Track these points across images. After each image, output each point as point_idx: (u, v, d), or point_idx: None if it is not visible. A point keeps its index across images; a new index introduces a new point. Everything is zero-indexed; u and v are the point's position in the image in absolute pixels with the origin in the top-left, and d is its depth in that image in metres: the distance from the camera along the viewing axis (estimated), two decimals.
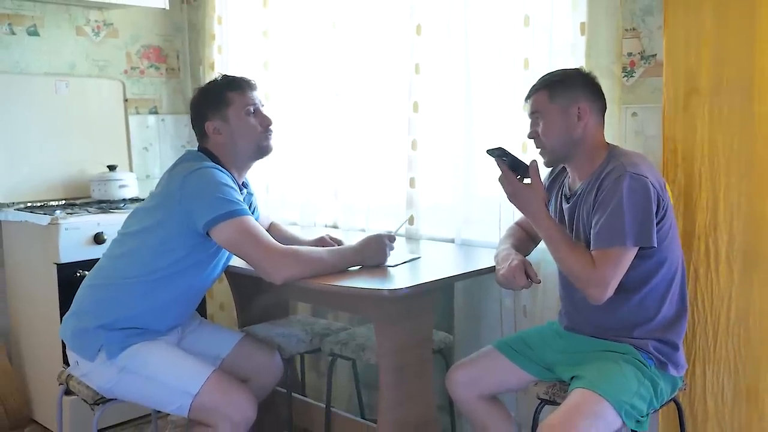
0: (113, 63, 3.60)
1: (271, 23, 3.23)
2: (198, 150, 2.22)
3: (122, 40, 3.63)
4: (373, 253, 2.17)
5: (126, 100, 3.63)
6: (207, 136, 2.20)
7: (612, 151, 1.94)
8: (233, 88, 2.20)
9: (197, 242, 2.07)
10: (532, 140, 2.01)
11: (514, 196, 1.94)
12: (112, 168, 3.38)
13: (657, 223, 1.82)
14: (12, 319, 3.24)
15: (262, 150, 2.21)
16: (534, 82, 2.06)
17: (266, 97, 3.25)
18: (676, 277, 1.92)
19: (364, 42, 2.91)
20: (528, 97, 2.02)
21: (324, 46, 3.03)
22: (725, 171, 2.10)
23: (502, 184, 1.96)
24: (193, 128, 2.25)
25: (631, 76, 2.32)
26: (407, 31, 2.71)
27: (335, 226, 3.10)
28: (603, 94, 1.99)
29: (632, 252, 1.81)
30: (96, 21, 3.53)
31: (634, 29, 2.30)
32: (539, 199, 1.90)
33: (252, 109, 2.20)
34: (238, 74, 3.30)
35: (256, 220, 2.42)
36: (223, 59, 3.46)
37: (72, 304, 2.18)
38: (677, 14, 2.15)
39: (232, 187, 2.07)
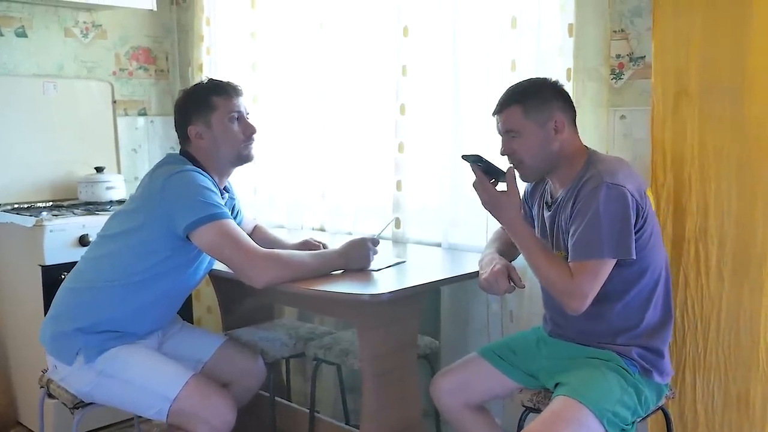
0: (102, 64, 3.57)
1: (259, 24, 3.21)
2: (180, 153, 2.19)
3: (111, 42, 3.60)
4: (357, 257, 2.14)
5: (114, 102, 3.60)
6: (189, 140, 2.17)
7: (591, 157, 1.90)
8: (219, 93, 2.17)
9: (177, 245, 2.04)
10: (507, 156, 1.95)
11: (488, 203, 1.90)
12: (99, 170, 3.35)
13: (636, 232, 1.79)
14: None
15: (242, 158, 2.18)
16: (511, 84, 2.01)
17: (254, 99, 3.23)
18: (660, 284, 1.89)
19: (351, 43, 2.89)
20: (498, 112, 1.95)
21: (311, 47, 3.00)
22: (715, 175, 2.07)
23: (476, 191, 1.91)
24: (176, 130, 2.22)
25: (620, 78, 2.29)
26: (394, 32, 2.68)
27: (322, 229, 3.07)
28: (572, 101, 1.95)
29: (610, 264, 1.77)
30: (85, 22, 3.50)
31: (622, 31, 2.27)
32: (514, 206, 1.86)
33: (236, 115, 2.17)
34: (226, 76, 3.32)
35: (240, 223, 2.41)
36: (212, 61, 3.44)
37: (50, 308, 2.15)
38: (666, 15, 2.12)
39: (212, 191, 2.04)
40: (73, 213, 2.99)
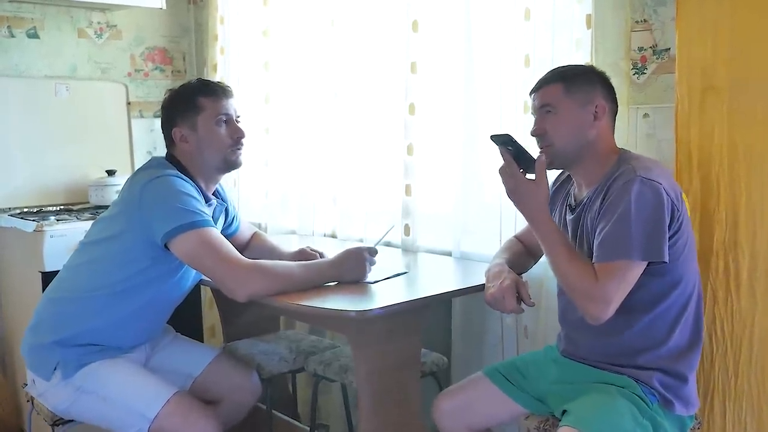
0: (116, 65, 3.50)
1: (271, 22, 3.09)
2: (165, 157, 2.08)
3: (126, 42, 3.53)
4: (352, 268, 1.99)
5: (129, 104, 3.52)
6: (174, 143, 2.06)
7: (623, 155, 1.72)
8: (206, 93, 2.04)
9: (158, 254, 1.93)
10: (536, 138, 1.77)
11: (514, 192, 1.71)
12: (110, 173, 3.28)
13: (670, 237, 1.59)
14: (6, 326, 3.16)
15: (229, 164, 2.06)
16: (536, 80, 1.84)
17: (266, 99, 3.12)
18: (692, 301, 1.69)
19: (361, 40, 2.75)
20: (536, 89, 1.78)
21: (323, 45, 2.87)
22: (746, 179, 1.87)
23: (502, 176, 1.73)
24: (162, 132, 2.11)
25: (642, 73, 2.09)
26: (403, 27, 2.52)
27: (334, 235, 2.94)
28: (616, 96, 1.78)
29: (639, 267, 1.58)
30: (99, 23, 3.44)
31: (645, 21, 2.06)
32: (542, 197, 1.68)
33: (224, 118, 2.04)
34: (239, 76, 3.24)
35: (236, 230, 2.29)
36: (225, 60, 3.33)
37: (32, 318, 2.06)
38: (691, 3, 1.92)
39: (193, 197, 1.91)
40: (77, 218, 2.92)
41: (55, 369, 1.95)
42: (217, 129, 2.02)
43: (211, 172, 2.06)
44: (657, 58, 2.06)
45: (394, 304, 1.82)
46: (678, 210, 1.62)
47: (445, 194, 2.54)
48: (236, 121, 2.07)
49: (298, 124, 3.03)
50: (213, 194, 2.11)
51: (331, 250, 2.25)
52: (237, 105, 2.09)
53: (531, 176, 1.71)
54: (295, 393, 2.74)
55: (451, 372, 2.46)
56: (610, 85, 1.78)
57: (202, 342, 3.32)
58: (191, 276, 2.08)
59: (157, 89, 3.63)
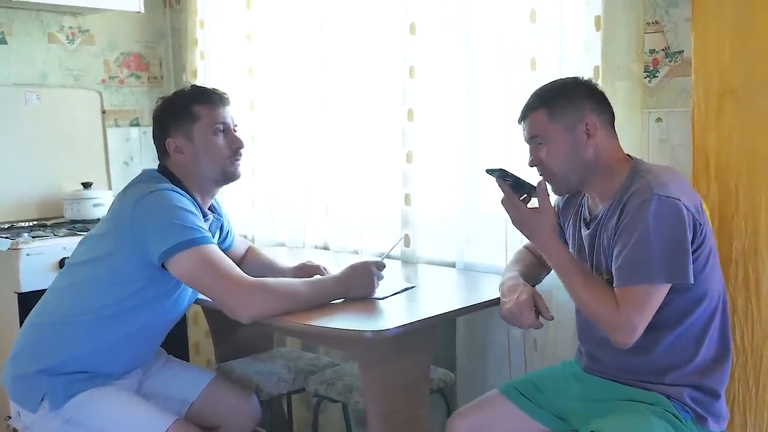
0: (89, 72, 3.33)
1: (255, 26, 2.97)
2: (157, 169, 1.95)
3: (99, 48, 3.36)
4: (359, 283, 1.89)
5: (104, 112, 3.36)
6: (168, 154, 1.93)
7: (635, 166, 1.64)
8: (202, 101, 1.92)
9: (154, 275, 1.80)
10: (535, 168, 1.71)
11: (519, 222, 1.67)
12: (86, 185, 3.12)
13: (693, 252, 1.52)
14: None
15: (227, 176, 1.94)
16: (542, 84, 1.77)
17: (251, 106, 3.00)
18: (717, 313, 1.62)
19: (353, 44, 2.64)
20: (522, 118, 1.72)
21: (311, 49, 2.77)
22: (766, 185, 1.81)
23: (505, 208, 1.68)
24: (154, 143, 1.98)
25: (655, 77, 2.02)
26: (400, 30, 2.43)
27: (326, 247, 2.83)
28: (608, 102, 1.70)
29: (663, 290, 1.51)
30: (70, 27, 3.27)
31: (656, 23, 2.01)
32: (549, 225, 1.62)
33: (221, 127, 1.92)
34: (221, 82, 3.11)
35: (230, 246, 2.18)
36: (206, 66, 3.19)
37: (13, 346, 1.91)
38: (708, 5, 1.86)
39: (191, 212, 1.79)
40: (54, 234, 2.76)
41: (42, 400, 1.80)
42: (215, 139, 1.90)
43: (209, 184, 1.94)
44: (670, 61, 2.00)
45: (411, 323, 1.72)
46: (700, 224, 1.55)
47: (446, 203, 2.45)
48: (234, 130, 1.95)
49: (285, 132, 2.92)
50: (209, 208, 1.99)
51: (324, 263, 2.16)
52: (234, 113, 1.97)
53: (535, 202, 1.66)
54: (290, 414, 2.62)
55: (456, 388, 2.36)
56: (599, 93, 1.70)
57: (188, 360, 3.19)
58: (188, 296, 1.95)
59: (132, 97, 3.48)
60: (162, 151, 1.94)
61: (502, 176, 1.66)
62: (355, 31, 2.63)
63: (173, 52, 3.55)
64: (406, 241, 2.47)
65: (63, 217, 3.11)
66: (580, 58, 2.06)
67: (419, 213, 2.48)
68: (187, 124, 1.89)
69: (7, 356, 2.48)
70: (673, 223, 1.50)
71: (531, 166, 1.72)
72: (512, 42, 2.19)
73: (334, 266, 2.13)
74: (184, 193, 1.85)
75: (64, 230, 2.86)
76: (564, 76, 1.82)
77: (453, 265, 2.39)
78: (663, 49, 2.00)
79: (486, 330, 2.38)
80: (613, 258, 1.56)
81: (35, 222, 3.07)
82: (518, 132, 2.17)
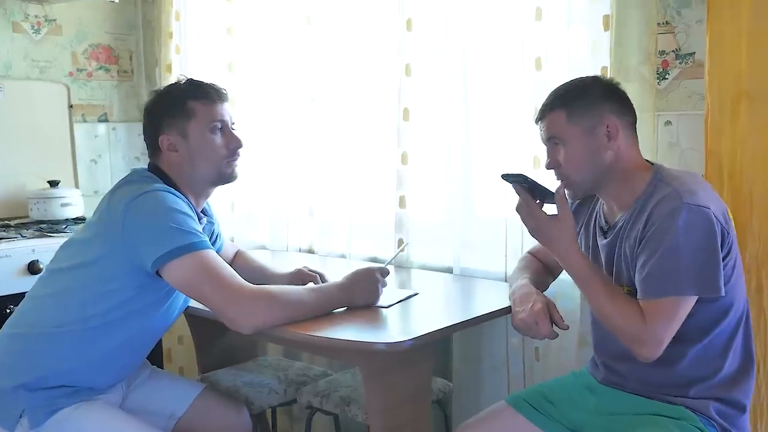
0: (56, 64, 3.15)
1: (236, 19, 2.84)
2: (147, 168, 1.82)
3: (67, 39, 3.18)
4: (363, 291, 1.79)
5: (71, 107, 3.18)
6: (160, 152, 1.80)
7: (658, 173, 1.57)
8: (198, 96, 1.80)
9: (145, 282, 1.67)
10: (552, 171, 1.64)
11: (537, 231, 1.58)
12: (53, 184, 2.95)
13: (722, 261, 1.47)
14: None
15: (223, 177, 1.83)
16: (549, 85, 1.71)
17: (231, 103, 2.83)
18: (741, 323, 1.57)
19: (344, 40, 2.54)
20: (540, 119, 1.65)
21: (297, 45, 2.65)
22: None
23: (521, 216, 1.60)
24: (144, 139, 1.85)
25: (664, 79, 1.98)
26: (396, 26, 2.34)
27: (311, 251, 2.72)
28: (631, 104, 1.63)
29: (690, 302, 1.46)
30: (36, 16, 3.09)
31: (667, 23, 1.96)
32: (569, 233, 1.55)
33: (219, 125, 1.80)
34: (197, 78, 2.97)
35: (219, 250, 2.05)
36: (182, 60, 3.05)
37: None
38: (723, 6, 1.81)
39: (188, 215, 1.67)
40: (21, 235, 2.59)
41: (20, 417, 1.66)
42: (212, 137, 1.78)
43: (203, 185, 1.82)
44: (680, 63, 1.95)
45: (425, 334, 1.63)
46: (727, 233, 1.50)
47: (442, 206, 2.37)
48: (232, 128, 1.83)
49: (267, 131, 2.80)
50: (201, 211, 1.87)
51: (312, 267, 2.06)
52: (231, 110, 1.85)
53: (552, 209, 1.58)
54: (274, 427, 2.50)
55: (452, 398, 2.28)
56: (622, 95, 1.63)
57: (162, 368, 3.04)
58: (179, 306, 1.82)
59: (101, 91, 3.31)
60: (154, 149, 1.81)
61: (520, 181, 1.57)
62: (346, 26, 2.53)
63: (145, 45, 3.39)
64: (399, 245, 2.38)
65: (27, 217, 2.94)
66: (587, 58, 2.00)
67: (414, 216, 2.39)
68: (182, 121, 1.77)
69: None
70: (704, 232, 1.44)
71: (548, 169, 1.65)
72: (516, 40, 2.12)
73: (324, 270, 2.04)
74: (179, 194, 1.72)
75: (31, 231, 2.69)
76: (574, 77, 1.74)
77: (449, 271, 2.31)
78: (674, 51, 1.95)
79: (482, 338, 2.30)
80: (638, 268, 1.50)
81: None
82: (519, 134, 2.13)
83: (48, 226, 2.78)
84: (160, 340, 2.94)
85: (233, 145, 1.81)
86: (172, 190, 1.71)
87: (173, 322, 1.85)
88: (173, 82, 1.88)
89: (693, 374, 1.55)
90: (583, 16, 2.02)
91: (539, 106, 2.07)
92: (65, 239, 1.84)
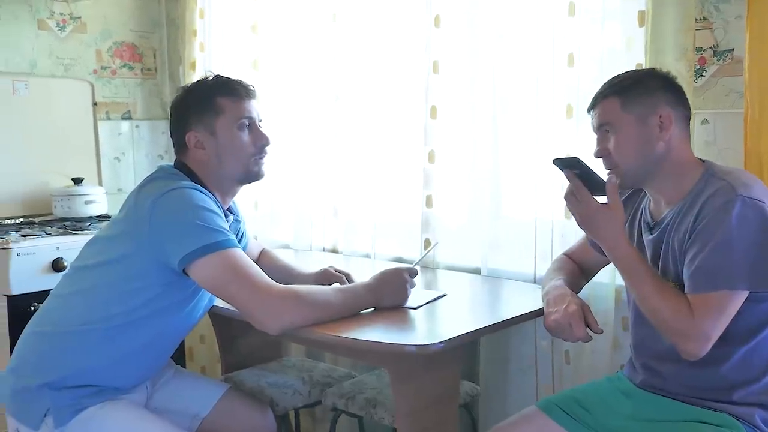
0: (81, 61, 3.16)
1: (261, 16, 2.82)
2: (174, 165, 1.80)
3: (91, 36, 3.19)
4: (392, 292, 1.75)
5: (95, 104, 3.19)
6: (187, 149, 1.78)
7: (710, 168, 1.53)
8: (226, 93, 1.77)
9: (172, 280, 1.65)
10: (601, 159, 1.59)
11: (586, 219, 1.53)
12: (77, 181, 2.95)
13: None
14: None
15: (251, 175, 1.80)
16: (581, 82, 1.67)
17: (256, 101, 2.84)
18: None
19: (370, 37, 2.50)
20: (592, 107, 1.61)
21: (323, 42, 2.63)
22: None
23: (569, 204, 1.55)
24: (171, 136, 1.83)
25: (701, 76, 1.92)
26: (424, 23, 2.30)
27: (335, 250, 2.69)
28: (686, 98, 1.59)
29: (741, 297, 1.41)
30: (61, 14, 3.09)
31: (704, 19, 1.90)
32: (619, 224, 1.50)
33: (246, 122, 1.78)
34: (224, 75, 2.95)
35: (244, 248, 2.02)
36: (206, 58, 3.04)
37: (11, 357, 1.75)
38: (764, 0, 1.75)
39: (215, 212, 1.64)
40: (46, 232, 2.59)
41: (45, 416, 1.64)
42: (240, 134, 1.75)
43: (230, 183, 1.79)
44: (718, 60, 1.89)
45: (457, 336, 1.59)
46: None
47: (470, 205, 2.32)
48: (259, 125, 1.80)
49: (292, 129, 2.77)
50: (227, 209, 1.84)
51: (338, 267, 2.03)
52: (259, 107, 1.83)
53: (602, 200, 1.53)
54: (298, 429, 2.47)
55: (479, 401, 2.24)
56: (677, 87, 1.59)
57: (184, 367, 3.02)
58: (204, 304, 1.80)
59: (125, 88, 3.30)
60: (180, 146, 1.79)
61: (572, 167, 1.53)
62: (372, 23, 2.49)
63: (168, 43, 3.38)
64: (426, 245, 2.34)
65: (51, 214, 2.94)
66: (621, 55, 1.95)
67: (441, 216, 2.35)
68: (210, 118, 1.74)
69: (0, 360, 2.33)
70: (758, 226, 1.39)
71: (596, 157, 1.60)
72: (547, 36, 2.07)
73: (350, 270, 2.01)
74: (206, 191, 1.69)
75: (55, 228, 2.69)
76: (607, 74, 1.70)
77: (477, 272, 2.27)
78: (711, 47, 1.90)
79: (510, 340, 2.26)
80: (687, 262, 1.45)
81: (21, 219, 2.89)
82: (550, 132, 2.09)
83: (72, 224, 2.77)
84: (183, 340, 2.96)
85: (261, 143, 1.78)
86: (199, 187, 1.68)
87: (198, 321, 1.82)
88: (200, 78, 1.85)
89: (737, 377, 1.50)
90: (618, 12, 1.97)
91: (571, 104, 2.04)
92: (89, 237, 1.82)
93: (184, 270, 1.60)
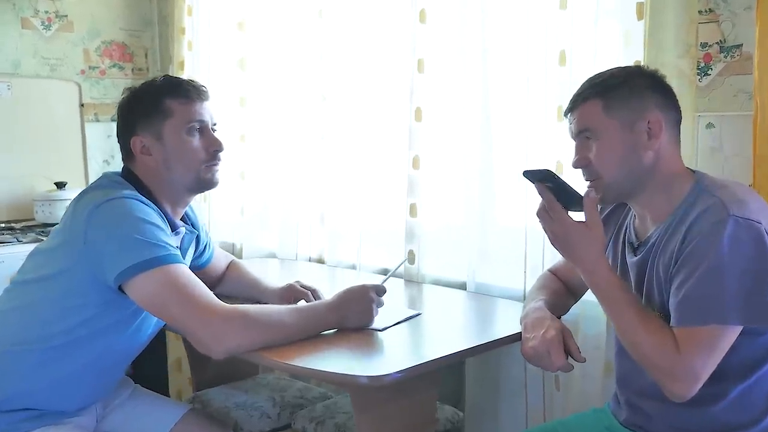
0: (67, 61, 3.06)
1: (248, 13, 2.70)
2: (120, 173, 1.66)
3: (78, 35, 3.09)
4: (355, 311, 1.60)
5: (82, 105, 3.10)
6: (133, 155, 1.64)
7: (700, 181, 1.34)
8: (175, 95, 1.63)
9: (111, 298, 1.51)
10: (580, 170, 1.41)
11: (560, 239, 1.35)
12: (60, 185, 2.85)
13: None
14: None
15: (202, 183, 1.65)
16: (574, 82, 1.49)
17: (241, 102, 2.72)
18: None
19: (355, 34, 2.37)
20: (570, 110, 1.42)
21: (309, 40, 2.49)
22: None
23: (542, 220, 1.37)
24: (118, 141, 1.70)
25: (706, 75, 1.73)
26: (408, 18, 2.14)
27: (321, 261, 2.55)
28: (676, 99, 1.40)
29: (734, 332, 1.23)
30: (46, 12, 3.00)
31: (710, 11, 1.71)
32: (598, 245, 1.32)
33: (197, 125, 1.63)
34: (210, 75, 2.83)
35: (209, 260, 1.90)
36: (194, 57, 2.91)
37: None
38: None
39: (156, 226, 1.50)
40: (18, 239, 2.48)
41: None
42: (189, 139, 1.61)
43: (180, 192, 1.65)
44: (725, 56, 1.71)
45: (413, 366, 1.42)
46: None
47: (456, 215, 2.16)
48: (212, 129, 1.66)
49: (278, 131, 2.65)
50: (181, 219, 1.70)
51: (317, 282, 1.88)
52: (213, 110, 1.68)
53: (579, 216, 1.35)
54: None
55: (464, 427, 2.07)
56: (667, 88, 1.40)
57: (167, 380, 2.91)
58: (153, 323, 1.66)
59: (115, 89, 3.20)
60: (126, 152, 1.66)
61: (544, 180, 1.36)
62: (358, 19, 2.36)
63: (160, 42, 3.27)
64: (411, 257, 2.18)
65: (33, 219, 2.85)
66: (619, 51, 1.78)
67: (426, 226, 2.19)
68: (157, 121, 1.61)
69: None
70: (753, 251, 1.21)
71: (575, 167, 1.41)
72: (538, 32, 1.90)
73: (330, 280, 1.86)
74: (149, 202, 1.55)
75: (31, 235, 2.58)
76: (614, 68, 1.50)
77: (463, 287, 2.10)
78: (717, 43, 1.71)
79: (499, 362, 2.09)
80: (673, 290, 1.27)
81: (3, 224, 2.80)
82: (541, 135, 1.91)
83: (47, 234, 2.66)
84: (166, 349, 2.84)
85: (213, 148, 1.63)
86: (141, 197, 1.54)
87: (147, 342, 1.68)
88: (149, 79, 1.71)
89: (732, 419, 1.31)
90: (614, 4, 1.81)
91: (564, 105, 1.85)
92: (28, 254, 1.68)
93: (120, 287, 1.46)
